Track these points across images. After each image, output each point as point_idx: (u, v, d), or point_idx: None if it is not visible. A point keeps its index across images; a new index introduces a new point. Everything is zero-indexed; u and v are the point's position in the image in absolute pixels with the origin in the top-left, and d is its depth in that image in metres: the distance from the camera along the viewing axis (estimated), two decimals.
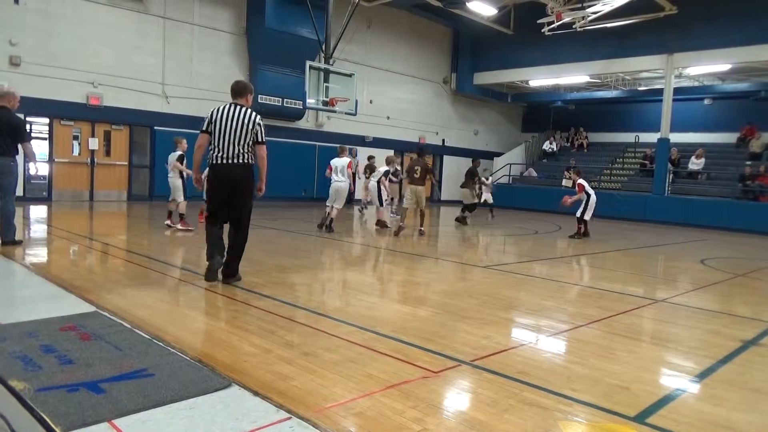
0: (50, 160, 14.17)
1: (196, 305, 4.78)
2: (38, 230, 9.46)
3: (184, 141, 10.07)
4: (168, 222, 9.89)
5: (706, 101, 22.21)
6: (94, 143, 14.63)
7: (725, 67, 18.43)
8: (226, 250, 5.51)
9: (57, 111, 13.92)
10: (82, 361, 3.11)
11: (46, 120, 14.11)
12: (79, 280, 5.31)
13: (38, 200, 13.92)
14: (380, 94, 21.07)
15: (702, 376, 3.59)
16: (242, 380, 3.00)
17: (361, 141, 20.49)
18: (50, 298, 4.57)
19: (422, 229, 11.06)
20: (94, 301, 4.47)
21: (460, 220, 13.83)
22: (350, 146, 12.26)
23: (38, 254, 7.07)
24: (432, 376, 3.26)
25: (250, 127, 5.25)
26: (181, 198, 9.66)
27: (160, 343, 3.50)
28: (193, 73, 16.15)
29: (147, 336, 3.63)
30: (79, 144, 14.68)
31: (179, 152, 9.81)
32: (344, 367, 3.32)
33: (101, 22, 14.35)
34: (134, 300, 4.65)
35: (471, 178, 14.26)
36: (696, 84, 21.61)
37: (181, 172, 9.72)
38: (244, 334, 3.89)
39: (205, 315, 4.57)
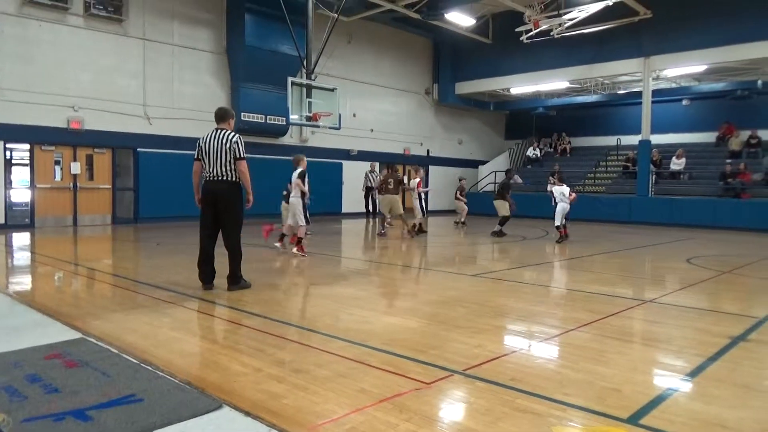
0: (32, 186, 14.01)
1: (184, 327, 4.73)
2: (21, 258, 9.33)
3: (305, 158, 9.31)
4: (278, 245, 9.38)
5: (684, 102, 22.54)
6: (76, 167, 14.49)
7: (701, 68, 18.75)
8: (213, 262, 6.09)
9: (37, 136, 13.78)
10: (68, 389, 3.06)
11: (27, 146, 13.97)
12: (65, 307, 5.24)
13: (21, 227, 13.74)
14: (363, 107, 21.15)
15: (693, 374, 3.61)
16: (233, 401, 2.97)
17: (346, 155, 20.53)
18: (35, 327, 4.49)
19: (408, 231, 12.10)
20: (80, 327, 4.41)
21: (497, 234, 13.14)
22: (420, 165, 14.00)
23: (22, 282, 6.97)
24: (425, 387, 3.25)
25: (228, 146, 5.84)
26: (302, 221, 9.03)
27: (149, 367, 3.46)
28: (175, 93, 16.11)
29: (135, 360, 3.58)
30: (61, 169, 14.54)
31: (300, 169, 9.07)
32: (336, 382, 3.29)
33: (80, 46, 14.29)
34: (121, 324, 4.60)
35: (505, 190, 13.72)
36: (674, 85, 21.93)
37: (302, 192, 9.06)
38: (234, 354, 3.85)
39: (193, 336, 4.52)
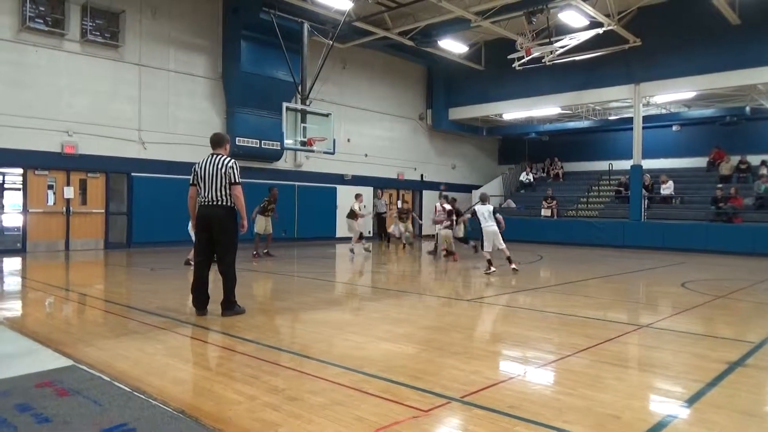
0: (24, 210, 13.93)
1: (177, 354, 4.66)
2: (12, 283, 9.23)
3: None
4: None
5: (674, 128, 22.84)
6: (69, 192, 14.45)
7: (690, 94, 19.07)
8: (207, 288, 6.09)
9: (31, 161, 13.76)
10: (59, 418, 3.00)
11: (20, 170, 13.93)
12: (56, 334, 5.17)
13: (12, 252, 13.62)
14: (357, 132, 21.30)
15: (692, 400, 3.58)
16: (228, 430, 2.92)
17: (340, 179, 20.60)
18: (25, 354, 4.42)
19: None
20: (72, 354, 4.34)
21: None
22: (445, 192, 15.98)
23: (12, 308, 6.87)
24: (422, 415, 3.20)
25: (223, 171, 5.90)
26: (503, 244, 11.04)
27: (141, 396, 3.40)
28: (170, 118, 16.17)
29: (127, 388, 3.52)
30: (54, 193, 14.48)
31: (491, 206, 11.77)
32: (332, 410, 3.24)
33: (76, 71, 14.37)
34: (113, 351, 4.53)
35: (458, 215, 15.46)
36: (664, 111, 22.26)
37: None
38: (229, 382, 3.80)
39: (187, 363, 4.45)
